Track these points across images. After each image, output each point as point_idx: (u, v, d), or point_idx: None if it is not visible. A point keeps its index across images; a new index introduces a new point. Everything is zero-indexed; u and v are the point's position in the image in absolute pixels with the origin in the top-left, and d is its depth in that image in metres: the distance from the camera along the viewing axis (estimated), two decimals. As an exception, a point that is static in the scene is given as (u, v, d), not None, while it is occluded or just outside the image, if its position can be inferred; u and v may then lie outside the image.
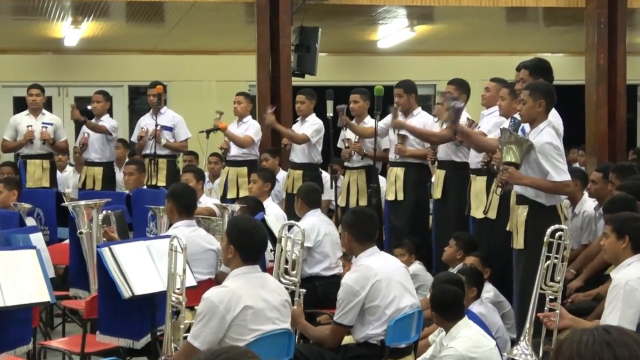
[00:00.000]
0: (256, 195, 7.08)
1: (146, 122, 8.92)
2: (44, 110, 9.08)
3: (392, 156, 7.64)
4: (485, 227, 6.34)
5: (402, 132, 7.44)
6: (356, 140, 7.96)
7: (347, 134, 8.14)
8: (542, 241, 4.73)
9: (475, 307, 5.45)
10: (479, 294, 5.56)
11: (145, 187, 8.13)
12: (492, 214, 6.17)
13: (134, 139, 9.10)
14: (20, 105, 9.56)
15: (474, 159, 6.51)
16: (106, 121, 9.11)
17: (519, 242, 5.24)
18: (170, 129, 8.87)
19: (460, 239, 6.35)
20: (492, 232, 6.23)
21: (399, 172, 7.53)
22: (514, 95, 5.91)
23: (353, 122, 8.00)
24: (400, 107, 7.59)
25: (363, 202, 7.78)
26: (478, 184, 6.46)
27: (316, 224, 6.27)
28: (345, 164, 8.18)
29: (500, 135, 5.39)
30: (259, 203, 6.58)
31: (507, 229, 5.67)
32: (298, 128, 8.49)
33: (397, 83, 7.68)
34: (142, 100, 14.21)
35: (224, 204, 6.31)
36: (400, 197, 7.48)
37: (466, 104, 7.16)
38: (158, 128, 8.73)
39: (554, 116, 5.39)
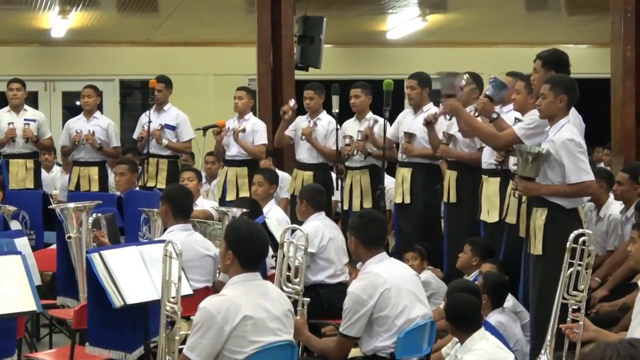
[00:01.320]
0: (261, 199, 7.09)
1: (146, 119, 8.93)
2: (25, 106, 9.08)
3: (400, 156, 7.65)
4: (497, 231, 6.33)
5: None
6: (359, 138, 7.95)
7: (348, 130, 8.14)
8: (562, 246, 4.73)
9: (495, 316, 5.46)
10: (495, 302, 5.55)
11: (137, 188, 8.14)
12: (512, 219, 6.15)
13: (136, 136, 9.10)
14: (2, 101, 9.59)
15: (487, 159, 6.51)
16: (101, 119, 9.12)
17: (536, 248, 5.23)
18: (173, 127, 8.86)
19: (475, 244, 6.35)
20: (507, 237, 6.22)
21: (406, 173, 7.53)
22: (531, 89, 5.90)
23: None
24: (412, 102, 7.60)
25: (368, 205, 7.77)
26: (490, 186, 6.45)
27: (320, 228, 6.28)
28: (347, 163, 8.18)
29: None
30: (254, 204, 6.56)
31: (520, 234, 5.67)
32: (306, 124, 8.42)
33: (411, 74, 7.69)
34: (134, 95, 14.26)
35: (224, 209, 6.28)
36: (408, 200, 7.48)
37: (477, 99, 7.16)
38: (158, 127, 8.73)
39: (572, 112, 5.39)
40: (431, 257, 7.07)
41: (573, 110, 5.39)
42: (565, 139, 5.14)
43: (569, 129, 5.21)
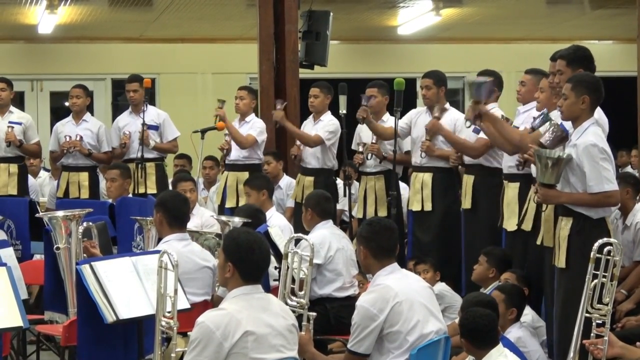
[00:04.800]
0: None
1: (126, 122, 8.92)
2: (12, 108, 9.09)
3: (416, 159, 7.62)
4: (518, 240, 6.34)
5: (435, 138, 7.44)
6: (374, 141, 7.94)
7: (363, 136, 8.14)
8: (587, 259, 4.72)
9: (513, 332, 5.47)
10: (519, 316, 5.56)
11: (130, 195, 8.15)
12: (527, 226, 6.16)
13: (114, 144, 9.08)
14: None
15: (507, 162, 6.52)
16: (91, 121, 9.14)
17: (560, 260, 5.23)
18: (155, 127, 8.87)
19: (491, 254, 6.35)
20: (527, 247, 6.23)
21: (426, 178, 7.51)
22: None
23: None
24: (428, 102, 7.60)
25: (383, 213, 7.76)
26: (511, 191, 6.46)
27: (327, 238, 6.29)
28: (361, 168, 8.18)
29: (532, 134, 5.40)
30: (258, 212, 6.55)
31: (538, 242, 5.67)
32: (310, 127, 8.45)
33: (425, 73, 7.68)
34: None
35: (225, 218, 6.29)
36: (428, 207, 7.46)
37: (498, 98, 7.19)
38: (146, 128, 8.73)
39: (599, 113, 5.38)
40: (450, 269, 7.08)
41: (599, 109, 5.38)
42: (587, 144, 5.11)
43: (594, 132, 5.18)
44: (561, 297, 5.24)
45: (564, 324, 5.12)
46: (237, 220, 5.98)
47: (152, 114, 8.94)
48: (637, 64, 9.59)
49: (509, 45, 14.21)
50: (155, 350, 4.38)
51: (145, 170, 8.70)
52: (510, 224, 6.44)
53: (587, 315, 4.66)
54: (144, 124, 8.68)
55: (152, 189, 8.54)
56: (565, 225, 5.22)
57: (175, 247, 5.04)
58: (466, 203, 7.05)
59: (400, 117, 7.49)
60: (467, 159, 7.22)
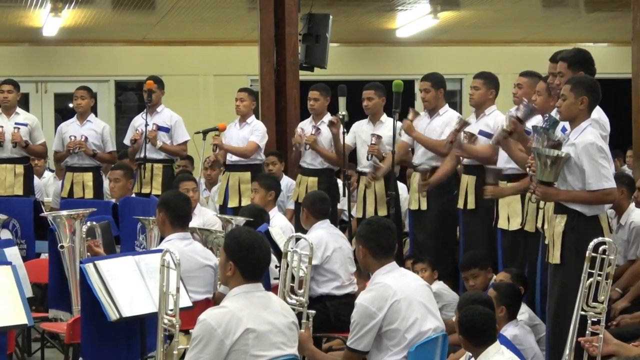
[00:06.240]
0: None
1: (140, 122, 8.93)
2: (18, 109, 9.10)
3: (415, 159, 7.64)
4: (518, 239, 6.33)
5: (405, 138, 7.49)
6: (373, 141, 7.94)
7: (363, 136, 8.13)
8: (582, 255, 4.74)
9: (510, 329, 5.47)
10: (511, 314, 5.56)
11: (133, 195, 8.15)
12: (530, 227, 6.14)
13: (127, 141, 9.10)
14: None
15: (505, 164, 6.52)
16: (95, 122, 9.15)
17: (555, 256, 5.24)
18: (167, 129, 8.87)
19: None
20: (528, 246, 6.23)
21: (421, 177, 7.52)
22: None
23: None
24: (427, 105, 7.60)
25: (383, 212, 7.75)
26: (510, 191, 6.47)
27: (323, 238, 6.29)
28: (359, 168, 8.18)
29: (533, 139, 5.41)
30: (261, 212, 6.56)
31: (546, 242, 5.69)
32: (310, 128, 8.44)
33: (423, 76, 7.69)
34: (129, 96, 14.28)
35: (227, 217, 6.28)
36: (424, 206, 7.47)
37: (494, 100, 7.20)
38: (153, 128, 8.74)
39: (599, 113, 5.40)
40: (445, 268, 7.08)
41: (598, 107, 5.40)
42: (587, 142, 5.14)
43: (592, 132, 5.21)
44: (555, 293, 5.25)
45: (558, 320, 5.14)
46: (240, 219, 5.99)
47: (166, 115, 8.94)
48: (632, 66, 9.59)
49: (506, 47, 14.22)
50: (158, 348, 4.38)
51: (150, 171, 8.70)
52: (512, 223, 6.44)
53: (583, 313, 4.67)
54: (146, 125, 8.70)
55: (157, 190, 8.53)
56: (559, 222, 5.23)
57: (177, 246, 5.04)
58: (467, 203, 7.04)
59: (399, 119, 7.49)
60: (467, 160, 7.20)
